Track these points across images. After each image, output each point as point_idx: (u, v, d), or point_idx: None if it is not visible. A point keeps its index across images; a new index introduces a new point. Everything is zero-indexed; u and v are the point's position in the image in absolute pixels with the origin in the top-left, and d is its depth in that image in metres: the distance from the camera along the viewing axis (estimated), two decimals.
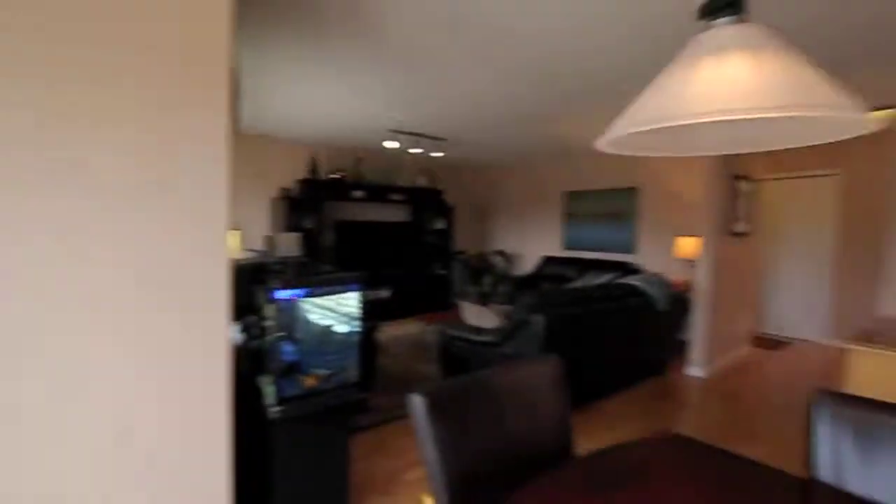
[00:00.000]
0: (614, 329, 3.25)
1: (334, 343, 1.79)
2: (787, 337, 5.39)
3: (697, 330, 3.95)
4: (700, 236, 4.00)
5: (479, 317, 3.29)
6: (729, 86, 0.58)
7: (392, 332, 5.31)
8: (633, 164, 5.58)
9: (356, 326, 1.85)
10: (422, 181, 6.43)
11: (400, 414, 2.97)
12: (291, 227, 5.14)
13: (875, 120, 0.62)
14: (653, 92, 0.67)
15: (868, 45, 2.52)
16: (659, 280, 3.65)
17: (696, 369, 3.96)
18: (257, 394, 1.71)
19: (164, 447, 1.19)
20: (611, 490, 0.94)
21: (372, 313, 5.42)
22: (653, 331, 3.62)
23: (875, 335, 2.34)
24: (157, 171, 1.15)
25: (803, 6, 2.08)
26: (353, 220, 5.92)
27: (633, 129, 0.65)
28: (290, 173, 5.48)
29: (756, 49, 0.62)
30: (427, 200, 6.48)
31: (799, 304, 5.38)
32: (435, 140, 5.07)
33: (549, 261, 6.20)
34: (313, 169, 5.46)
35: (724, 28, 0.66)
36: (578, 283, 5.22)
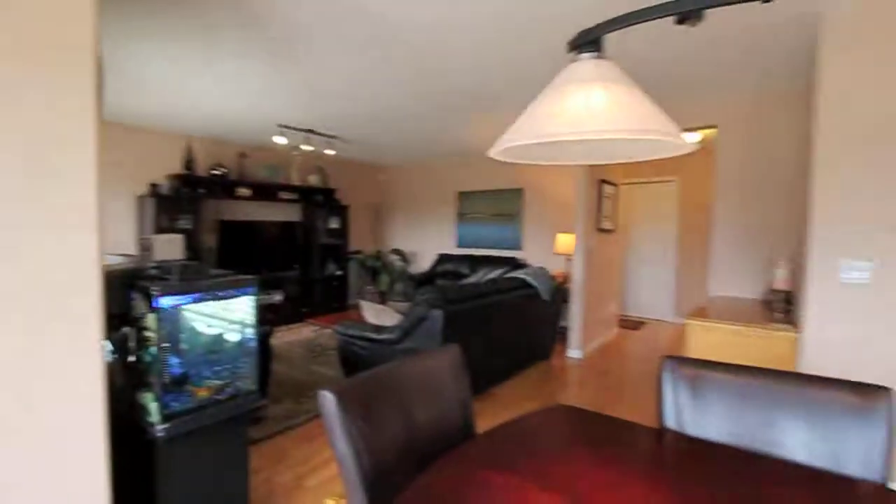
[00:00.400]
0: (505, 319, 3.52)
1: (227, 351, 1.70)
2: (645, 317, 6.33)
3: (574, 316, 4.45)
4: (574, 233, 4.50)
5: (379, 315, 3.32)
6: (588, 111, 0.72)
7: (288, 337, 5.07)
8: (519, 168, 6.05)
9: (250, 333, 1.77)
10: (314, 179, 6.22)
11: (300, 421, 2.88)
12: (163, 228, 4.61)
13: (693, 143, 0.81)
14: (530, 112, 0.79)
15: (676, 77, 3.11)
16: (543, 273, 4.03)
17: (574, 351, 4.46)
18: (140, 412, 1.55)
19: (32, 487, 1.04)
20: (509, 457, 1.06)
21: (266, 318, 5.10)
22: (538, 319, 4.00)
23: (706, 311, 2.89)
24: (14, 160, 1.00)
25: (632, 47, 2.52)
26: (239, 219, 5.50)
27: (509, 144, 0.77)
28: (160, 168, 4.91)
29: (610, 82, 0.77)
30: (320, 199, 6.29)
31: (652, 289, 6.35)
32: (326, 137, 4.96)
33: (445, 258, 6.43)
34: (189, 163, 4.95)
35: (586, 61, 0.80)
36: (473, 279, 5.52)
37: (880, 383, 2.19)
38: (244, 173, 5.48)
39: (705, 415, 1.18)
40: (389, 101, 3.75)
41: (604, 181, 4.79)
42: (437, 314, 2.78)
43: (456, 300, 2.94)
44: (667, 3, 0.75)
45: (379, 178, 7.61)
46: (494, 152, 0.86)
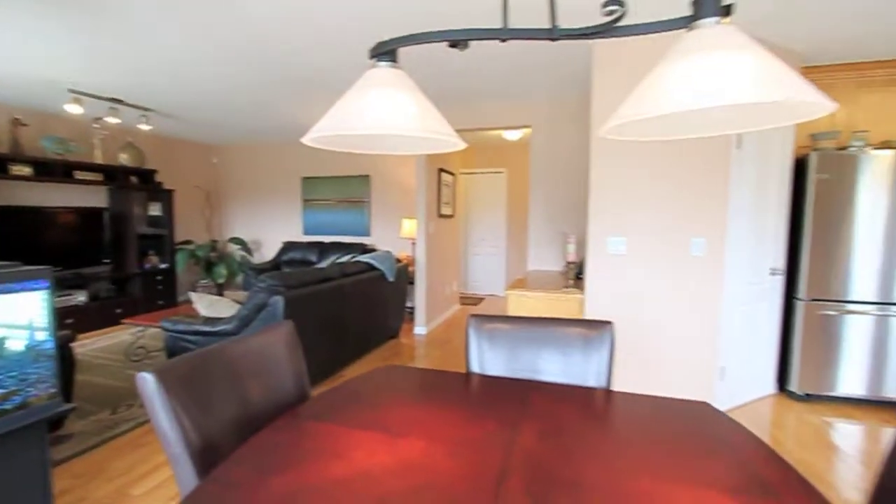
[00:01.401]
0: (352, 302, 3.63)
1: (7, 357, 1.47)
2: (483, 294, 7.08)
3: (419, 296, 4.79)
4: (417, 218, 4.81)
5: (214, 307, 3.11)
6: (392, 110, 0.88)
7: (101, 342, 4.34)
8: (366, 154, 6.13)
9: (44, 335, 1.55)
10: (125, 158, 5.32)
11: (121, 431, 2.57)
12: None
13: (462, 142, 1.03)
14: (338, 106, 0.92)
15: (499, 84, 3.61)
16: (388, 256, 4.24)
17: (420, 328, 4.81)
18: None
19: None
20: (335, 410, 1.20)
21: (66, 322, 4.27)
22: (386, 301, 4.20)
23: (523, 283, 3.42)
24: None
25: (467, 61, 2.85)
26: (17, 204, 4.44)
27: (316, 134, 0.90)
28: None
29: (400, 88, 0.94)
30: (135, 182, 5.44)
31: (488, 268, 7.13)
32: (139, 110, 4.33)
33: (291, 246, 6.20)
34: None
35: (384, 69, 0.96)
36: (322, 266, 5.47)
37: (633, 322, 2.89)
38: (21, 146, 4.42)
39: (497, 357, 1.49)
40: (217, 74, 3.47)
41: (442, 170, 5.19)
42: (278, 300, 2.75)
43: (298, 285, 2.94)
44: (449, 31, 0.95)
45: (212, 159, 6.88)
46: (306, 139, 0.97)
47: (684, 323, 2.85)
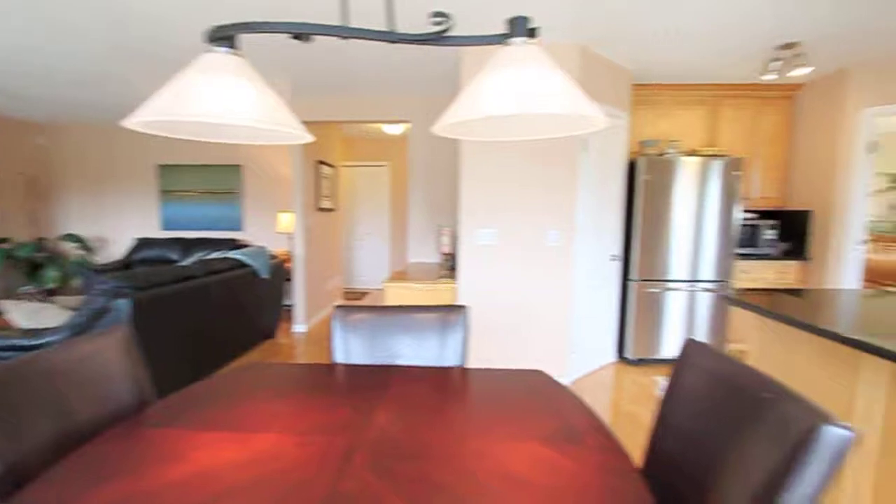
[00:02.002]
0: (220, 302, 3.36)
1: None
2: (368, 288, 7.04)
3: (297, 293, 4.61)
4: (294, 212, 4.61)
5: (37, 316, 2.64)
6: (232, 97, 0.86)
7: None
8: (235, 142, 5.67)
9: None
10: None
11: None
12: None
13: (307, 135, 1.04)
14: (172, 90, 0.87)
15: (382, 79, 3.64)
16: (261, 252, 4.00)
17: (300, 326, 4.63)
18: None
19: None
20: (182, 414, 1.13)
21: None
22: (260, 299, 3.96)
23: (404, 275, 3.50)
24: None
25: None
26: None
27: (146, 118, 0.84)
28: None
29: (242, 76, 0.92)
30: None
31: (372, 261, 7.11)
32: None
33: (146, 243, 5.49)
34: None
35: (223, 55, 0.93)
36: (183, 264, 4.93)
37: (500, 306, 3.13)
38: None
39: (361, 346, 1.53)
40: (30, 32, 2.92)
41: (321, 162, 5.04)
42: (124, 304, 2.43)
43: (150, 286, 2.64)
44: (289, 22, 0.95)
45: (36, 141, 5.74)
46: (131, 122, 0.89)
47: (543, 305, 3.20)
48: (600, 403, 2.99)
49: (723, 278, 3.69)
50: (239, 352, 3.78)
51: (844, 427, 0.75)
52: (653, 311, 3.71)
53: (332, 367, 1.51)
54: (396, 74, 3.65)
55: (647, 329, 3.71)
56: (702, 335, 3.72)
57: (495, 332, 3.22)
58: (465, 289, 3.20)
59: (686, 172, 3.58)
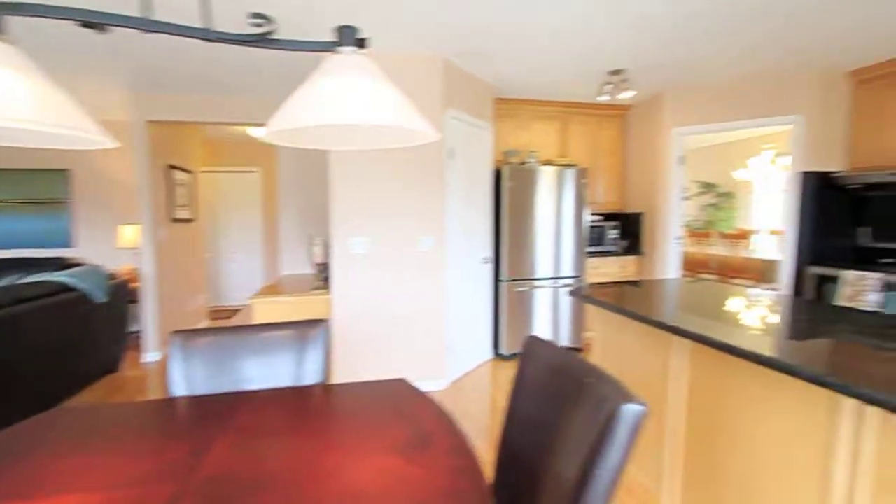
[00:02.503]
0: (35, 336, 2.78)
1: None
2: (239, 305, 6.45)
3: (147, 317, 4.03)
4: (143, 224, 4.03)
5: None
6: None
7: None
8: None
9: None
10: None
11: None
12: None
13: (103, 139, 0.90)
14: None
15: (252, 77, 3.38)
16: (95, 272, 3.41)
17: (152, 355, 4.05)
18: None
19: None
20: None
21: None
22: (95, 327, 3.37)
23: (275, 288, 3.26)
24: None
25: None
26: None
27: None
28: None
29: (8, 66, 0.76)
30: None
31: (244, 275, 6.55)
32: None
33: None
34: None
35: None
36: None
37: (377, 315, 3.08)
38: None
39: (204, 374, 1.38)
40: None
41: (174, 167, 4.49)
42: None
43: None
44: (69, 7, 0.81)
45: None
46: None
47: (419, 310, 3.25)
48: (478, 401, 3.12)
49: (578, 274, 4.13)
50: (67, 394, 3.16)
51: (639, 404, 0.87)
52: (523, 308, 4.00)
53: (170, 401, 1.33)
54: (259, 77, 3.42)
55: (519, 325, 3.99)
56: (565, 326, 4.13)
57: (373, 341, 3.18)
58: (339, 299, 3.10)
59: (544, 180, 3.94)
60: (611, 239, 4.52)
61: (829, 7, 2.45)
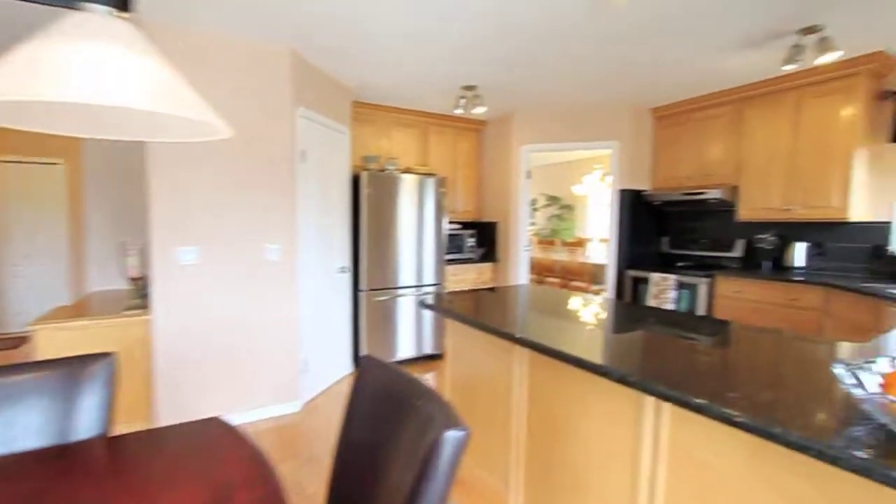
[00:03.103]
0: None
1: None
2: (33, 329, 5.13)
3: None
4: None
5: None
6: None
7: None
8: None
9: None
10: None
11: None
12: None
13: None
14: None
15: None
16: None
17: None
18: None
19: None
20: None
21: None
22: None
23: (73, 310, 2.61)
24: None
25: None
26: None
27: None
28: None
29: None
30: None
31: (41, 292, 5.24)
32: None
33: None
34: None
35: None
36: None
37: (215, 334, 2.67)
38: None
39: None
40: None
41: None
42: None
43: None
44: None
45: None
46: None
47: (267, 326, 2.92)
48: (334, 421, 2.92)
49: (439, 282, 4.20)
50: None
51: (461, 429, 0.83)
52: (385, 318, 3.90)
53: None
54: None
55: (381, 336, 3.88)
56: (427, 334, 4.14)
57: (210, 368, 2.75)
58: (163, 320, 2.62)
59: (405, 188, 3.91)
60: (469, 247, 4.70)
61: (636, 62, 2.90)
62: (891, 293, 2.44)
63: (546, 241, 7.16)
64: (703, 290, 3.61)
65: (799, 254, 3.44)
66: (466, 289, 4.46)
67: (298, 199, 3.01)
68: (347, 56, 3.02)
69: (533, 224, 8.52)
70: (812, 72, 3.08)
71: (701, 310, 3.62)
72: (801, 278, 3.12)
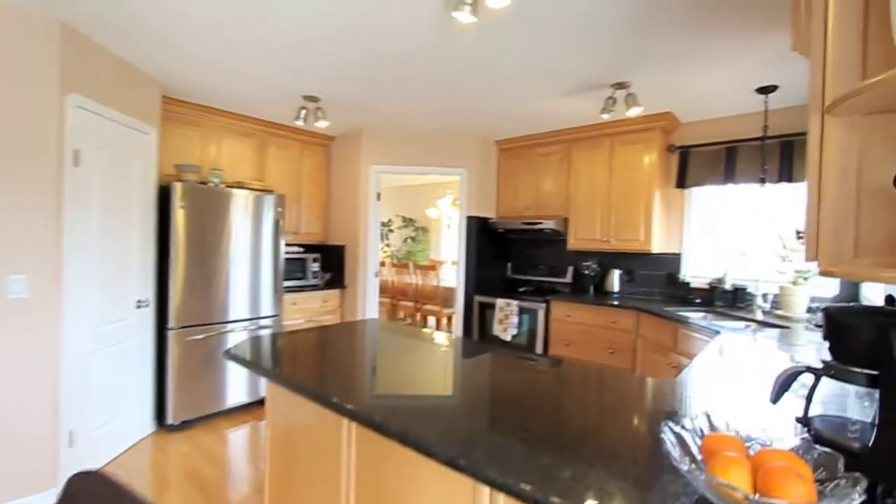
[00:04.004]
0: None
1: None
2: None
3: None
4: None
5: None
6: None
7: None
8: None
9: None
10: None
11: None
12: None
13: None
14: None
15: None
16: None
17: None
18: None
19: None
20: None
21: None
22: None
23: None
24: None
25: None
26: None
27: None
28: None
29: None
30: None
31: None
32: None
33: None
34: None
35: None
36: None
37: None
38: None
39: None
40: None
41: None
42: None
43: None
44: None
45: None
46: None
47: (6, 392, 2.10)
48: None
49: (277, 313, 3.67)
50: None
51: None
52: (206, 360, 3.23)
53: None
54: None
55: (200, 382, 3.19)
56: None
57: None
58: None
59: (236, 205, 3.35)
60: (314, 272, 4.27)
61: (476, 97, 2.94)
62: (683, 317, 2.83)
63: (400, 264, 7.06)
64: (541, 315, 3.82)
65: (615, 280, 3.88)
66: (307, 321, 4.01)
67: (68, 214, 2.28)
68: (149, 40, 2.44)
69: (388, 246, 8.38)
70: (622, 122, 3.53)
71: (540, 332, 3.81)
72: (617, 302, 3.49)
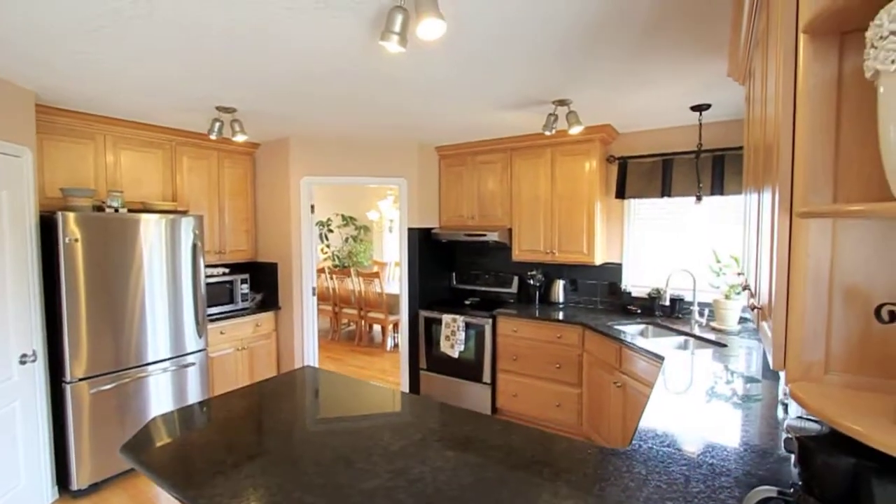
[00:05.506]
0: None
1: None
2: None
3: None
4: None
5: None
6: None
7: None
8: None
9: None
10: None
11: None
12: None
13: None
14: None
15: None
16: None
17: None
18: None
19: None
20: None
21: None
22: None
23: None
24: None
25: None
26: None
27: None
28: None
29: None
30: None
31: None
32: None
33: None
34: None
35: None
36: None
37: None
38: None
39: None
40: None
41: None
42: None
43: None
44: None
45: None
46: None
47: None
48: None
49: (203, 347, 3.31)
50: None
51: None
52: (120, 412, 2.83)
53: None
54: None
55: (111, 439, 2.79)
56: None
57: None
58: None
59: (146, 232, 2.93)
60: (243, 294, 3.90)
61: (412, 110, 2.72)
62: (627, 340, 2.81)
63: (342, 270, 6.72)
64: (488, 330, 3.73)
65: (560, 290, 3.87)
66: (238, 350, 3.64)
67: None
68: (8, 45, 1.98)
69: (328, 246, 7.97)
70: (562, 133, 3.46)
71: (488, 348, 3.73)
72: (562, 315, 3.48)
